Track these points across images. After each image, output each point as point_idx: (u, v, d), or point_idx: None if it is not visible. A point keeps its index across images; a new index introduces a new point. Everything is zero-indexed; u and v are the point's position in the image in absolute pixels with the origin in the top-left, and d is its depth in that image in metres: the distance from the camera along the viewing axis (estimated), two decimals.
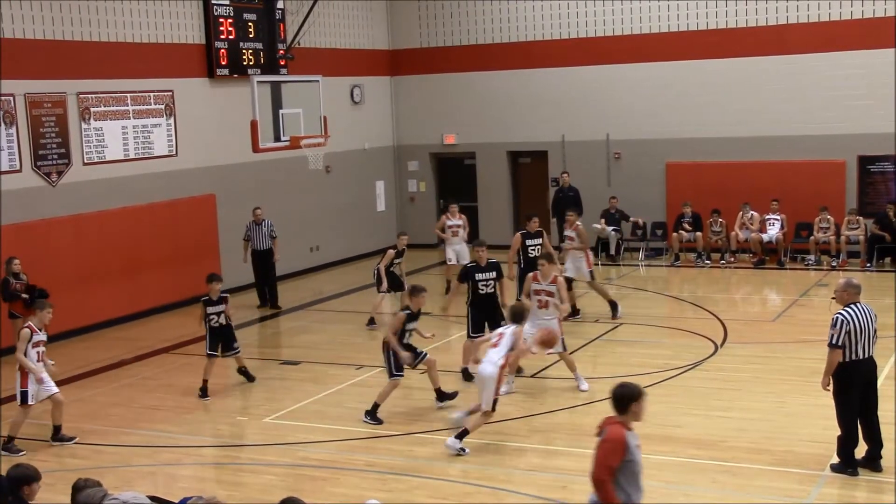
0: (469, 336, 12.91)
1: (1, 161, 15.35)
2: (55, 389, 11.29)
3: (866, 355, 9.21)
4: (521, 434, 10.94)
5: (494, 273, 12.92)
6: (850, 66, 20.23)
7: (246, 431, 11.51)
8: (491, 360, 10.51)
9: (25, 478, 6.69)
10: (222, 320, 13.21)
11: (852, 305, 9.24)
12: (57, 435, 11.30)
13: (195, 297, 18.71)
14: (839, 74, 20.37)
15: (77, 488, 6.51)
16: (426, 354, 11.94)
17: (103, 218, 17.04)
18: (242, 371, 13.58)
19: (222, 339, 13.28)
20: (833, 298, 9.51)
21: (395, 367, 11.57)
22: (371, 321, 16.64)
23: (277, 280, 18.87)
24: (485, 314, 12.85)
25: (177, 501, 6.87)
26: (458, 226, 18.60)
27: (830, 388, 9.35)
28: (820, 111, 20.61)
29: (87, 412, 12.52)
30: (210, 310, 13.16)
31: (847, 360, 9.17)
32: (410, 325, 11.63)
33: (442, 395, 12.06)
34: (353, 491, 9.53)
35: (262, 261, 18.33)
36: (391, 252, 16.62)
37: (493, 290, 12.91)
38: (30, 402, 11.11)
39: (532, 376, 13.17)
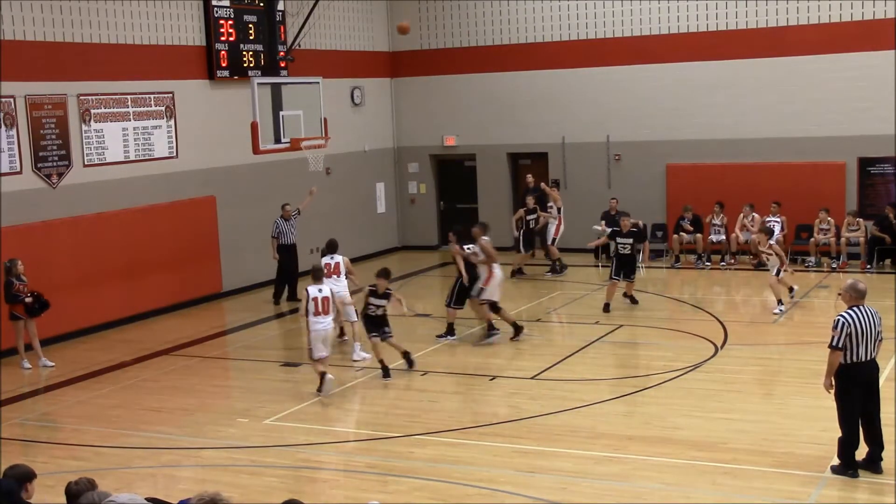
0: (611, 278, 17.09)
1: (1, 163, 15.34)
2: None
3: (868, 358, 9.21)
4: (521, 436, 10.93)
5: (631, 239, 17.15)
6: (849, 68, 20.23)
7: (246, 433, 11.50)
8: None
9: (26, 476, 6.71)
10: (380, 312, 13.62)
11: (855, 308, 9.25)
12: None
13: (196, 299, 18.86)
14: (839, 76, 20.36)
15: (70, 493, 6.47)
16: None
17: (103, 220, 17.03)
18: (406, 356, 13.79)
19: (376, 326, 13.62)
20: (839, 295, 9.52)
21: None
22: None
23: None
24: (622, 266, 17.05)
25: (175, 503, 6.84)
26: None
27: (833, 390, 9.36)
28: (820, 113, 20.62)
29: (87, 414, 12.52)
30: (373, 300, 13.51)
31: (848, 362, 9.18)
32: None
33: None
34: (353, 493, 9.53)
35: (290, 256, 18.52)
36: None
37: (629, 251, 17.10)
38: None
39: (532, 378, 13.17)
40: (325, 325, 12.93)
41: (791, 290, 17.03)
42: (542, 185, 21.32)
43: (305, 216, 19.55)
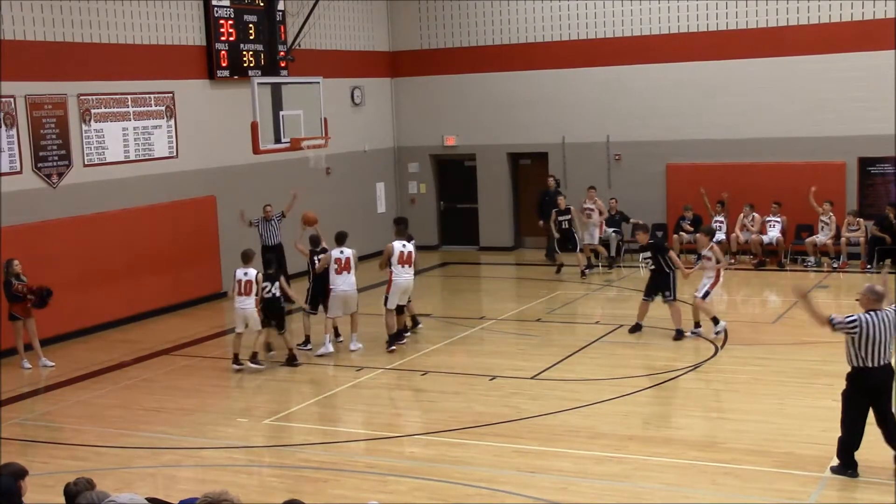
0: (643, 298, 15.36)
1: (1, 163, 15.34)
2: None
3: (881, 363, 9.01)
4: (522, 435, 10.93)
5: (650, 252, 15.15)
6: (849, 68, 20.22)
7: (246, 433, 11.50)
8: None
9: (19, 473, 6.73)
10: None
11: (872, 312, 9.04)
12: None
13: (196, 299, 18.86)
14: (839, 76, 20.35)
15: (69, 493, 6.46)
16: None
17: (104, 219, 17.03)
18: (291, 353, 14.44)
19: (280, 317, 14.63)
20: (857, 300, 9.39)
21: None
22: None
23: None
24: (652, 283, 15.21)
25: (176, 503, 6.84)
26: (591, 209, 21.00)
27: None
28: (820, 113, 20.61)
29: (87, 414, 12.52)
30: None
31: (858, 366, 9.03)
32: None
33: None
34: (353, 493, 9.53)
35: (276, 256, 18.42)
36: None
37: (654, 266, 15.00)
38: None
39: (532, 378, 13.17)
40: (245, 305, 14.02)
41: (715, 321, 14.69)
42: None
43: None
